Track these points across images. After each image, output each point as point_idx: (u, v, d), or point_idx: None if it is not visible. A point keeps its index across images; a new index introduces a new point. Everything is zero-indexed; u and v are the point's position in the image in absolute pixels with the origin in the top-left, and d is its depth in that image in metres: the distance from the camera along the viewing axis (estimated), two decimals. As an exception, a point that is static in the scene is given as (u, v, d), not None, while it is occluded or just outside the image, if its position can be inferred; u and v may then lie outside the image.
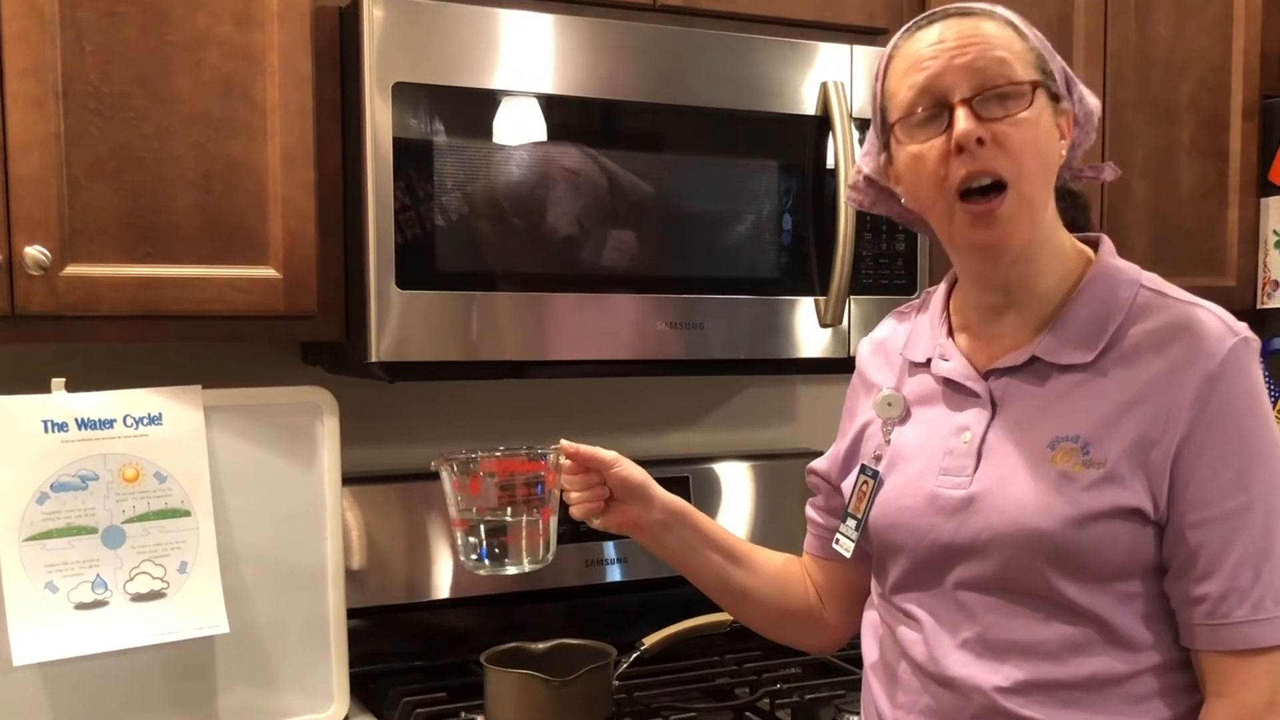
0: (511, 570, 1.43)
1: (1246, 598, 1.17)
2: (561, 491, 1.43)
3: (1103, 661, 1.20)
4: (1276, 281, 2.39)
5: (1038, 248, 1.26)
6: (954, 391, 1.31)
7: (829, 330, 1.89)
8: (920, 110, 1.22)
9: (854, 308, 1.91)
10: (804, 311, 1.88)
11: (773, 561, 1.51)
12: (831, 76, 1.86)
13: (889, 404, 1.36)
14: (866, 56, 1.89)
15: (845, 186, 1.40)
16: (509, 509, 1.41)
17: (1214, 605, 1.18)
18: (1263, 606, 1.16)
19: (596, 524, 1.45)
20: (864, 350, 1.47)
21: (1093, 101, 1.31)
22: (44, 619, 1.56)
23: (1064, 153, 1.27)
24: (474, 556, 1.43)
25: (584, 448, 1.42)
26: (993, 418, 1.27)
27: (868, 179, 1.36)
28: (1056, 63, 1.27)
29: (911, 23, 1.28)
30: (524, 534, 1.42)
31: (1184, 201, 2.33)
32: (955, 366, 1.32)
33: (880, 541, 1.34)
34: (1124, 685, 1.21)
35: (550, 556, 1.45)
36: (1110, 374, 1.22)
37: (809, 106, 1.85)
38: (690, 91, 1.79)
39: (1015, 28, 1.25)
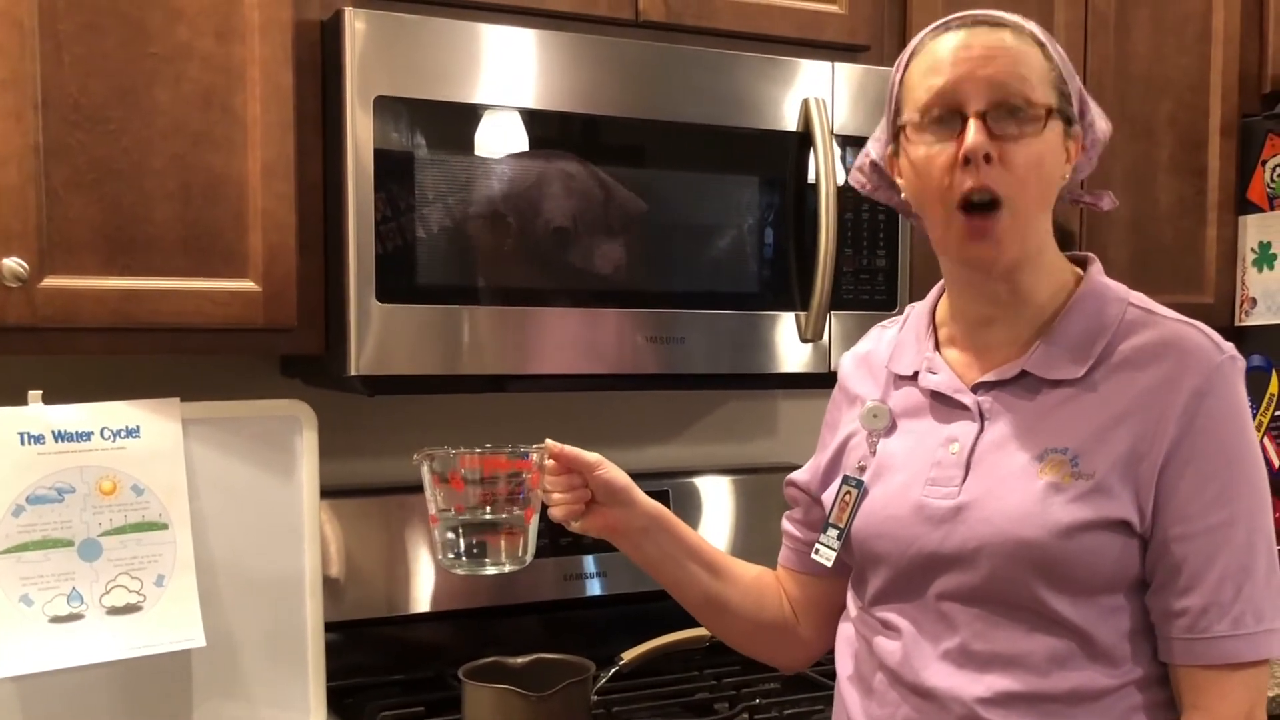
0: (490, 571, 1.40)
1: (1227, 613, 1.18)
2: (543, 492, 1.41)
3: (1086, 675, 1.21)
4: (1254, 299, 2.40)
5: (1029, 262, 1.27)
6: (941, 404, 1.32)
7: (810, 345, 1.90)
8: (934, 113, 1.23)
9: (835, 323, 1.91)
10: (785, 326, 1.88)
11: (747, 573, 1.51)
12: (813, 93, 1.86)
13: (875, 415, 1.36)
14: (848, 73, 1.90)
15: (852, 168, 1.40)
16: (489, 508, 1.38)
17: (1194, 619, 1.18)
18: (1243, 622, 1.18)
19: (575, 527, 1.43)
20: (846, 363, 1.47)
21: (1103, 126, 1.31)
22: (18, 633, 1.55)
23: (1067, 175, 1.27)
24: (451, 555, 1.39)
25: (568, 448, 1.41)
26: (981, 430, 1.28)
27: (874, 164, 1.37)
28: (1074, 84, 1.27)
29: (941, 23, 1.27)
30: (503, 534, 1.39)
31: (1163, 219, 2.35)
32: (943, 379, 1.32)
33: (862, 552, 1.34)
34: (1106, 699, 1.21)
35: (529, 558, 1.41)
36: (1099, 388, 1.23)
37: (790, 123, 1.86)
38: (672, 107, 1.79)
39: (1042, 45, 1.25)
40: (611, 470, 1.43)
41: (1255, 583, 1.18)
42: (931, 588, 1.27)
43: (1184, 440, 1.19)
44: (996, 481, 1.24)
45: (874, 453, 1.35)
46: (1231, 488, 1.19)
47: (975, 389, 1.29)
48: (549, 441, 1.41)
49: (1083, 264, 1.33)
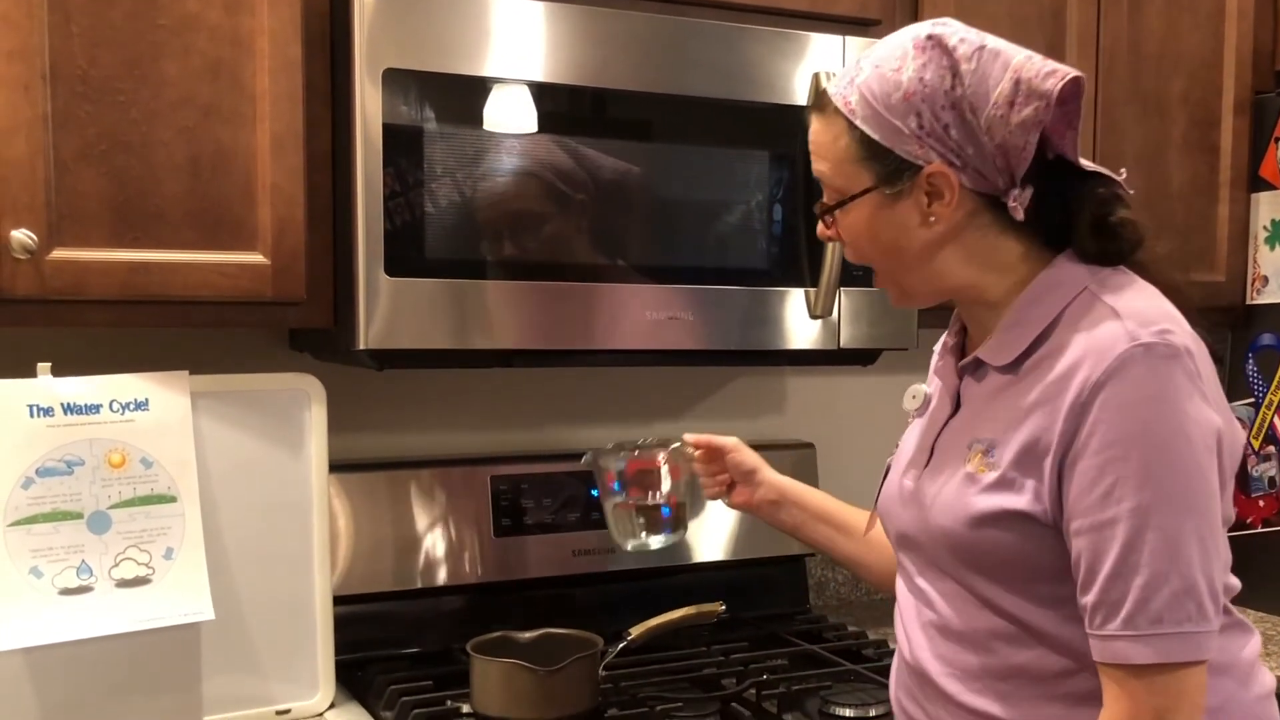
0: (654, 545, 1.70)
1: (1115, 612, 1.14)
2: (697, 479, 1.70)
3: (1034, 654, 1.23)
4: (1266, 277, 2.39)
5: (953, 288, 1.30)
6: (941, 388, 1.38)
7: (819, 322, 1.89)
8: None
9: (844, 300, 1.90)
10: (794, 303, 1.88)
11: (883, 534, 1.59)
12: (824, 67, 1.85)
13: (912, 397, 1.43)
14: (859, 48, 1.89)
15: None
16: (650, 495, 1.67)
17: (1091, 616, 1.16)
18: (1134, 623, 1.13)
19: (726, 504, 1.70)
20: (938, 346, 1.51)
21: (1027, 113, 1.19)
22: (28, 604, 1.56)
23: (932, 221, 1.24)
24: (623, 536, 1.70)
25: (703, 436, 1.67)
26: (951, 414, 1.33)
27: None
28: (914, 121, 1.21)
29: None
30: (661, 515, 1.68)
31: (1174, 197, 2.34)
32: (941, 365, 1.39)
33: (884, 528, 1.44)
34: (1059, 681, 1.22)
35: (682, 531, 1.72)
36: (1027, 378, 1.23)
37: (801, 97, 1.85)
38: (682, 81, 1.78)
39: (843, 118, 1.25)
40: (742, 453, 1.66)
41: (1150, 583, 1.13)
42: (911, 565, 1.37)
43: (1078, 433, 1.16)
44: (939, 468, 1.30)
45: (904, 433, 1.45)
46: (1127, 483, 1.13)
47: (960, 374, 1.34)
48: (686, 436, 1.67)
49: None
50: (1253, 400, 2.39)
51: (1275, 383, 2.35)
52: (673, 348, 1.81)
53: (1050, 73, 1.19)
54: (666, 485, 1.68)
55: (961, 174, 1.23)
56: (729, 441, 1.66)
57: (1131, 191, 1.30)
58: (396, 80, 1.61)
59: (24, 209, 1.48)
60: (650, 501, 1.67)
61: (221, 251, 1.59)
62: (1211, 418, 1.17)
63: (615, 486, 1.69)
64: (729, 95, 1.81)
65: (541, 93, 1.70)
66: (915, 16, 2.04)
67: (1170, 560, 1.12)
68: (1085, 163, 1.26)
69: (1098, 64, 2.21)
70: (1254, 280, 2.41)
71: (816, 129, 1.30)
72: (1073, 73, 1.19)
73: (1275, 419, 2.35)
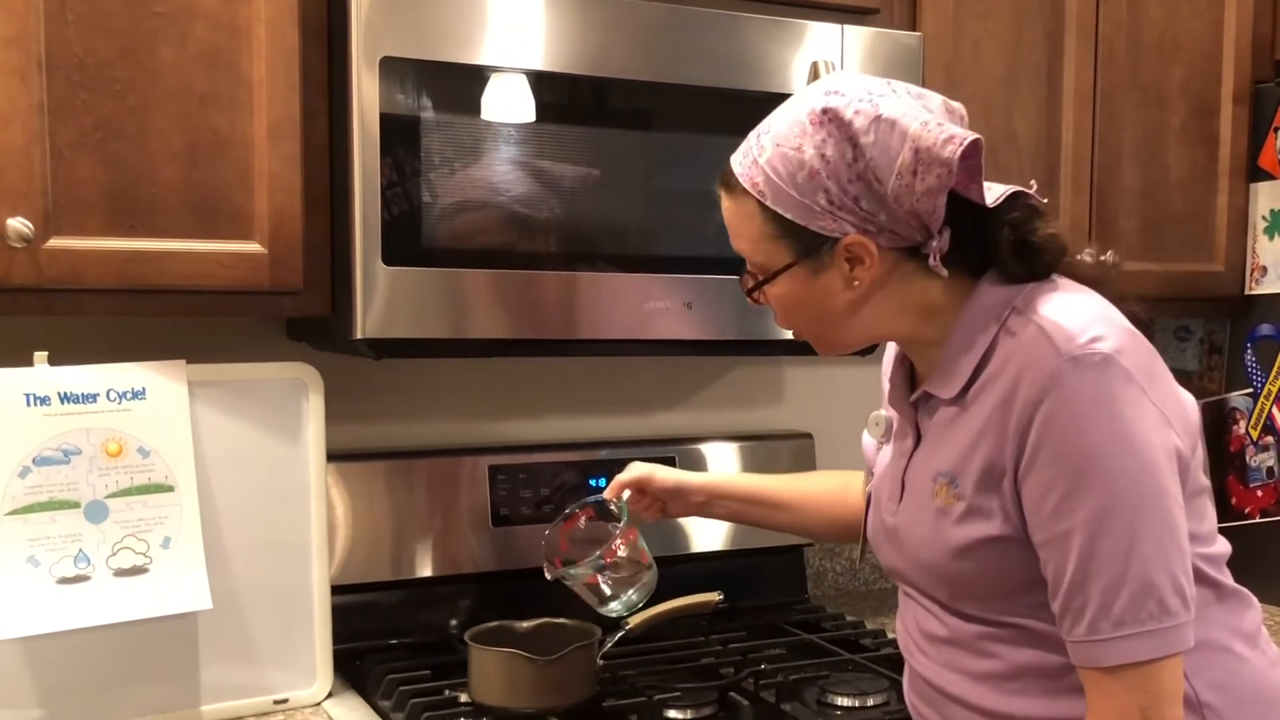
0: (619, 610, 1.69)
1: (1080, 619, 1.17)
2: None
3: (1037, 654, 1.26)
4: (1264, 268, 2.39)
5: (885, 335, 1.34)
6: (900, 418, 1.39)
7: (817, 311, 1.89)
8: None
9: (842, 289, 1.90)
10: (792, 292, 1.87)
11: (821, 501, 1.70)
12: (822, 56, 1.85)
13: (875, 424, 1.45)
14: (857, 36, 1.88)
15: None
16: (606, 558, 1.65)
17: (1060, 622, 1.20)
18: (1098, 627, 1.15)
19: (668, 518, 1.78)
20: (887, 356, 1.49)
21: (928, 182, 1.19)
22: (26, 594, 1.56)
23: (856, 284, 1.25)
24: (600, 604, 1.68)
25: (623, 482, 1.69)
26: (914, 449, 1.34)
27: None
28: (822, 198, 1.22)
29: None
30: (626, 578, 1.68)
31: (1174, 187, 2.33)
32: (893, 395, 1.41)
33: (876, 557, 1.46)
34: (1066, 676, 1.23)
35: (650, 580, 1.69)
36: (972, 406, 1.25)
37: (799, 86, 1.84)
38: (680, 69, 1.77)
39: (753, 198, 1.26)
40: (658, 479, 1.70)
41: (1108, 588, 1.15)
42: (902, 585, 1.42)
43: (1024, 453, 1.18)
44: (911, 505, 1.33)
45: (878, 457, 1.46)
46: (1075, 495, 1.15)
47: (914, 407, 1.35)
48: (607, 494, 1.69)
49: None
50: (1251, 390, 2.39)
51: (1274, 372, 2.35)
52: (671, 337, 1.81)
53: (948, 139, 1.17)
54: (621, 551, 1.65)
55: (878, 238, 1.23)
56: (642, 474, 1.69)
57: (1045, 201, 1.29)
58: (394, 69, 1.60)
59: (20, 197, 1.48)
60: (609, 571, 1.66)
61: (218, 240, 1.59)
62: (1152, 414, 1.17)
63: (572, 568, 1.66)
64: (727, 84, 1.80)
65: (539, 81, 1.69)
66: (914, 7, 2.04)
67: (1125, 564, 1.14)
68: (992, 188, 1.25)
69: (1097, 53, 2.21)
70: (1253, 270, 2.41)
71: (728, 208, 1.31)
72: (970, 136, 1.18)
73: (1274, 409, 2.34)
